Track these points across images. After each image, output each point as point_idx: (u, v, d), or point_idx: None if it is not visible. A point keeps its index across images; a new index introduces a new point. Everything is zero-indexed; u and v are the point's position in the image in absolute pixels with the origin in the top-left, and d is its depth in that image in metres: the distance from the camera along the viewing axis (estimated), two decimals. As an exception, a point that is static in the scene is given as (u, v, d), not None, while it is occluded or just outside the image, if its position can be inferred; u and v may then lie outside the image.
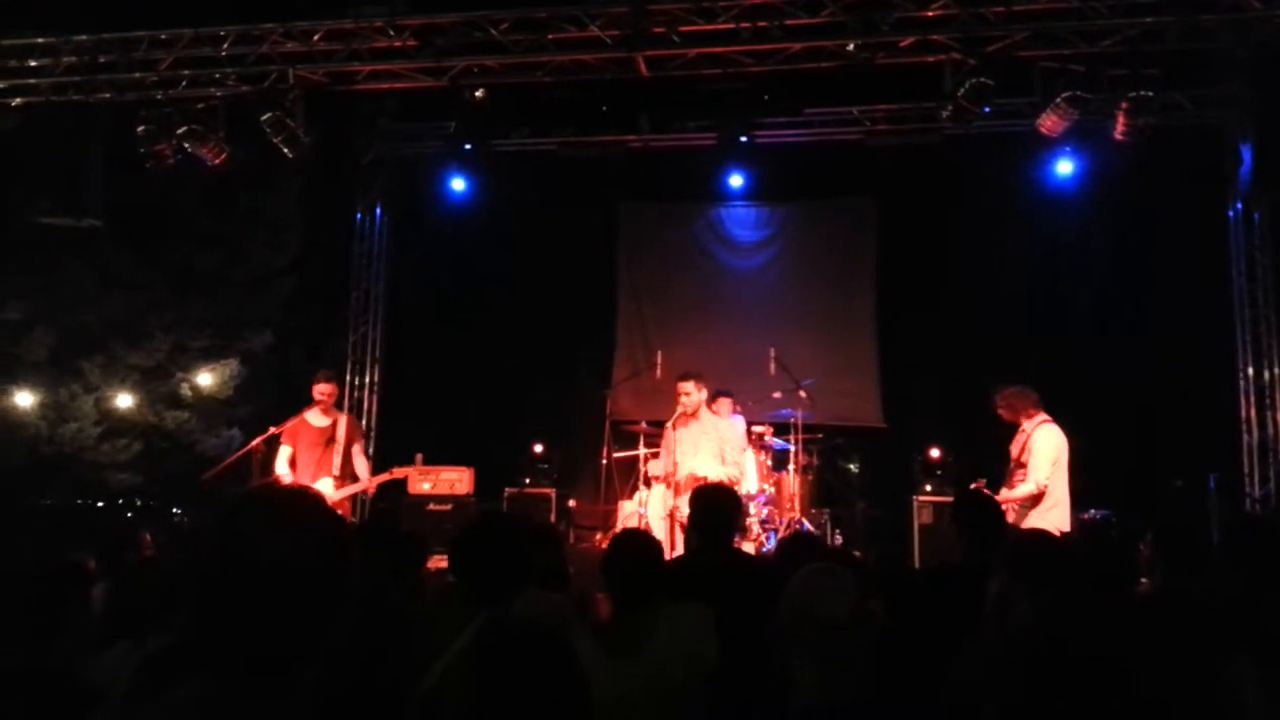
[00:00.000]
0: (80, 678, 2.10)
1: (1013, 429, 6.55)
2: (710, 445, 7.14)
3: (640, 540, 3.34)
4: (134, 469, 10.17)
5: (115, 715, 1.34)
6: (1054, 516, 6.07)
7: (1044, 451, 6.19)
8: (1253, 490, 8.68)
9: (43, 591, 2.27)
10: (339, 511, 1.34)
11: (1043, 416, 6.38)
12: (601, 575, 3.09)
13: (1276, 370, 8.72)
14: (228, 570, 1.23)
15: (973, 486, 6.29)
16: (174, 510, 9.50)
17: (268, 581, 1.20)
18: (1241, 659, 2.29)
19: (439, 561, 5.10)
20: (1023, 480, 6.27)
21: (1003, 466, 6.54)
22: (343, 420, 7.23)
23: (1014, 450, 6.47)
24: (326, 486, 6.94)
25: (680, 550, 6.49)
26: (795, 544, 4.14)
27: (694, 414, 7.21)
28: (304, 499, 1.32)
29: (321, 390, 7.13)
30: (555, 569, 3.52)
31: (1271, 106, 7.95)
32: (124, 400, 10.15)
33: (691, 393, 7.18)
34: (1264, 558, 3.08)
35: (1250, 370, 8.87)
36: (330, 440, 7.07)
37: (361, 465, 7.22)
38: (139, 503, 9.96)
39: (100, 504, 9.79)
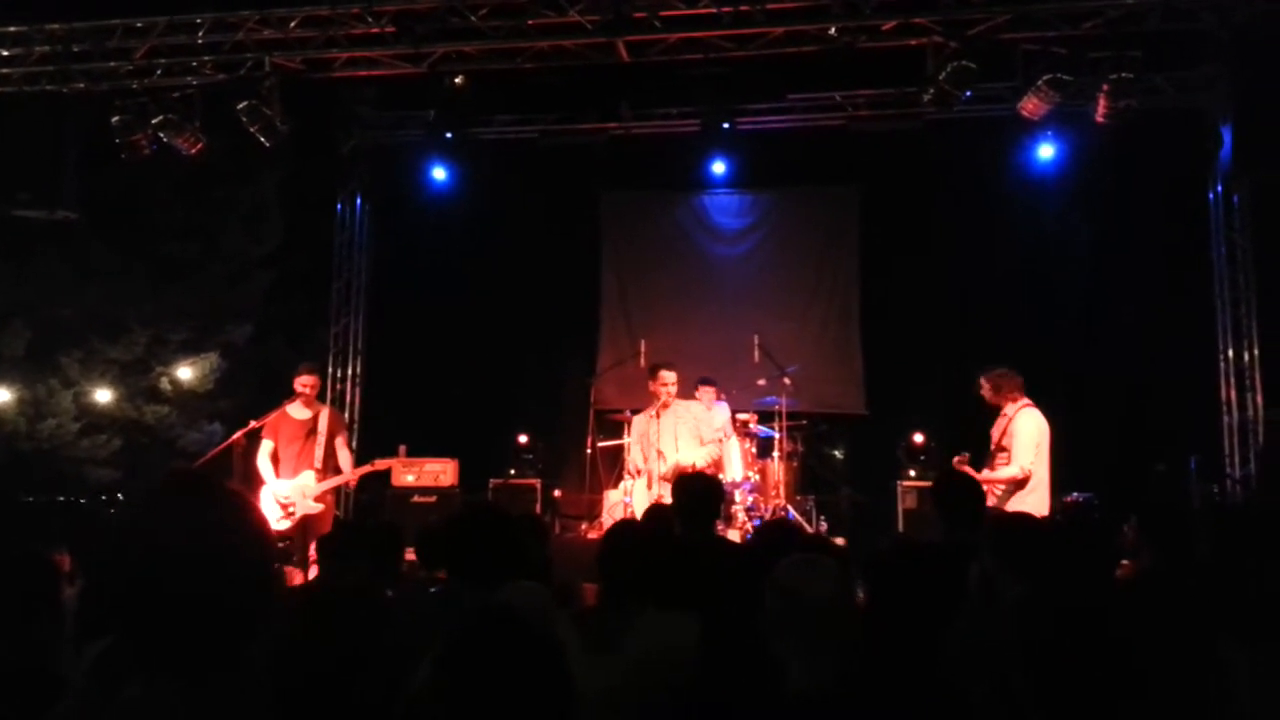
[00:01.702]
0: (52, 672, 2.06)
1: (993, 412, 6.55)
2: (688, 430, 7.24)
3: (637, 533, 3.26)
4: (114, 464, 10.07)
5: (72, 711, 1.30)
6: (1033, 500, 6.08)
7: (1027, 435, 6.20)
8: (1233, 471, 8.73)
9: (12, 587, 2.23)
10: (246, 497, 1.31)
11: (1025, 401, 6.39)
12: (596, 566, 3.02)
13: (1256, 352, 8.77)
14: (122, 565, 1.18)
15: (955, 460, 6.31)
16: (155, 505, 9.40)
17: (163, 575, 1.15)
18: (1230, 639, 2.29)
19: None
20: (1005, 464, 6.28)
21: (985, 450, 6.55)
22: (325, 412, 7.18)
23: (995, 434, 6.47)
24: (309, 479, 6.90)
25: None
26: (775, 530, 4.07)
27: (668, 403, 7.33)
28: (199, 488, 1.28)
29: (303, 382, 7.07)
30: (537, 559, 3.49)
31: (1252, 88, 7.95)
32: (103, 395, 10.04)
33: (675, 381, 7.31)
34: (1246, 539, 3.09)
35: (1230, 352, 8.91)
36: (312, 433, 7.02)
37: (344, 458, 7.17)
38: (120, 498, 9.86)
39: (81, 500, 9.69)
